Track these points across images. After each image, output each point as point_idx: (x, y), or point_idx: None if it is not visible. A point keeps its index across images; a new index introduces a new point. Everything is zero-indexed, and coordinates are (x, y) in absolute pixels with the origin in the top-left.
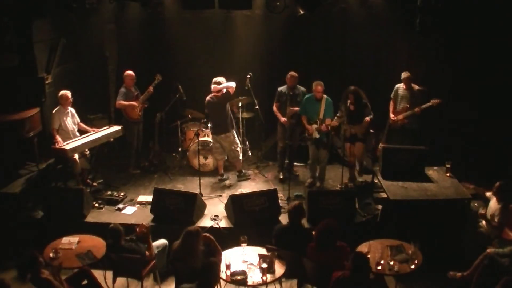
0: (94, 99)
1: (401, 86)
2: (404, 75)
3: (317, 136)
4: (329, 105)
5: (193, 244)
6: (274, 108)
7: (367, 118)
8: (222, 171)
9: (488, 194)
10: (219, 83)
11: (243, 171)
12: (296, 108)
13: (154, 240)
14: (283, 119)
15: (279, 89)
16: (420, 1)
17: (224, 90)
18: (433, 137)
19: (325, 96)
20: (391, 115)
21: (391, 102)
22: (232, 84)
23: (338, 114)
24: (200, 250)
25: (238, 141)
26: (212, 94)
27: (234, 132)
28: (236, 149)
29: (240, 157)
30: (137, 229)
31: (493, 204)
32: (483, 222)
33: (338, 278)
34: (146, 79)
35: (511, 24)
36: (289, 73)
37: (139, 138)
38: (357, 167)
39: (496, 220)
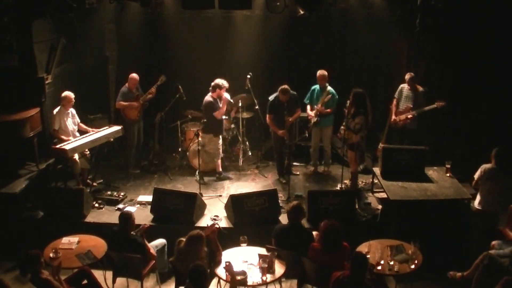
0: (94, 99)
1: (405, 86)
2: (407, 76)
3: (315, 119)
4: (331, 95)
5: (196, 248)
6: (268, 120)
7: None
8: (220, 170)
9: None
10: (221, 87)
11: (223, 173)
12: (292, 119)
13: (153, 239)
14: (280, 132)
15: (271, 99)
16: (420, 1)
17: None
18: (433, 137)
19: (329, 87)
20: (393, 116)
21: (394, 102)
22: (229, 99)
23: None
24: (203, 253)
25: (220, 148)
26: (212, 94)
27: (220, 139)
28: (215, 152)
29: (219, 160)
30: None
31: None
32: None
33: (338, 278)
34: (146, 79)
35: (511, 23)
36: (281, 88)
37: (140, 137)
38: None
39: None
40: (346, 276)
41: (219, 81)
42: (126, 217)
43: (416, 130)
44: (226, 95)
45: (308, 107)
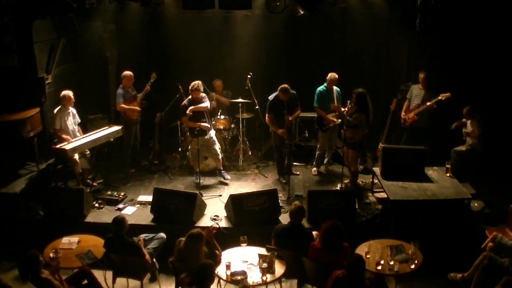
0: (94, 99)
1: (416, 86)
2: (421, 75)
3: (339, 121)
4: (338, 94)
5: (196, 247)
6: (267, 119)
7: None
8: (221, 167)
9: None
10: (192, 90)
11: (223, 170)
12: (292, 118)
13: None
14: (280, 131)
15: (271, 99)
16: (420, 1)
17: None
18: (437, 136)
19: (334, 87)
20: (403, 114)
21: (406, 102)
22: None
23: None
24: (203, 252)
25: (217, 142)
26: (192, 98)
27: (213, 133)
28: (215, 148)
29: (220, 156)
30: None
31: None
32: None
33: (337, 277)
34: (146, 79)
35: (510, 23)
36: (281, 87)
37: (136, 138)
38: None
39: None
40: (343, 275)
41: (192, 83)
42: (119, 222)
43: (424, 128)
44: (205, 103)
45: (318, 110)
